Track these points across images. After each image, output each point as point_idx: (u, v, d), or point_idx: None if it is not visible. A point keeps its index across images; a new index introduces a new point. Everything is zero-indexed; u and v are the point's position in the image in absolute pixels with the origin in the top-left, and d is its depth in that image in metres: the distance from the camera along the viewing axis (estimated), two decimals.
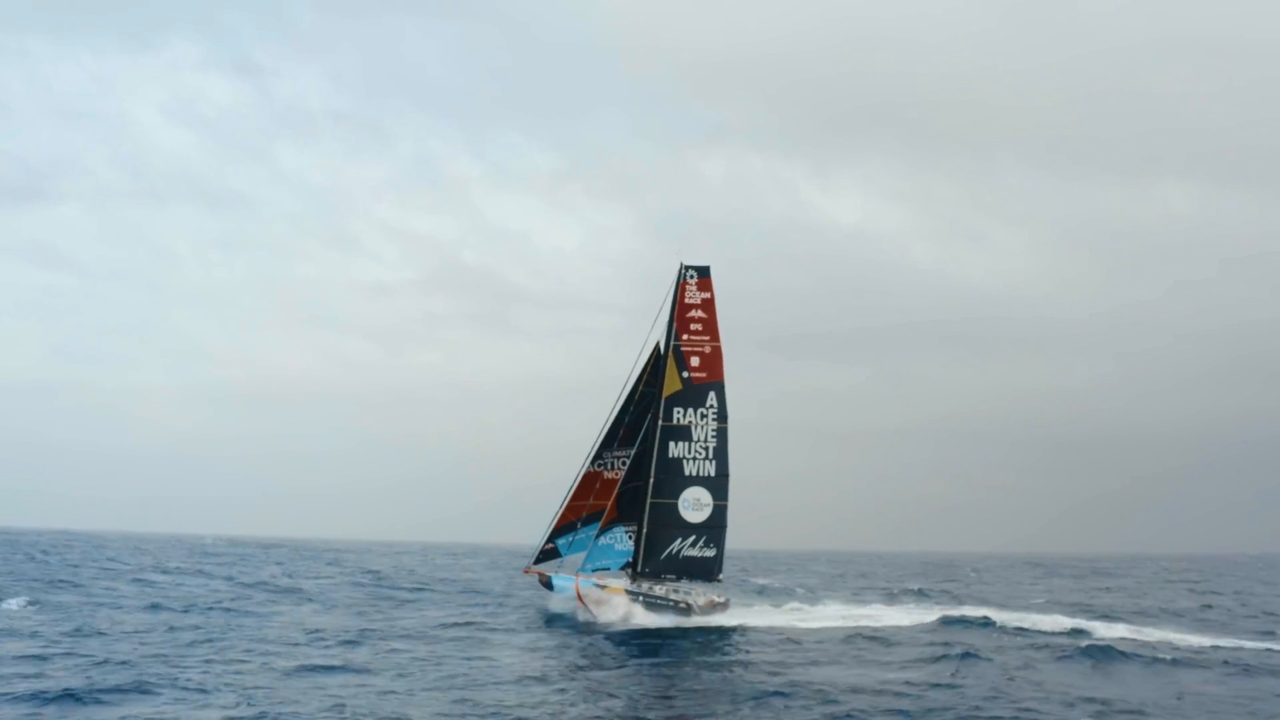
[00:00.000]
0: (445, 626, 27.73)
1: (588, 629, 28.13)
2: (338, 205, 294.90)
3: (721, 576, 31.83)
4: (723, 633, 27.94)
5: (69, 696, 15.89)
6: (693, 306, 31.37)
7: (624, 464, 31.94)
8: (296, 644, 23.05)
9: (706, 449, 31.27)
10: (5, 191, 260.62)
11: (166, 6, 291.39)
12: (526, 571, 34.29)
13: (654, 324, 31.65)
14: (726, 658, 23.23)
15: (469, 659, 21.43)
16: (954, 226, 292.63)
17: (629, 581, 31.33)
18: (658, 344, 31.76)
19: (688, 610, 29.83)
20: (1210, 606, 39.97)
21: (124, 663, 19.34)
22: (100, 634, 23.69)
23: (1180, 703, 17.64)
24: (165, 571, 47.95)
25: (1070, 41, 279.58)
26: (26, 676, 17.68)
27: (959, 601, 39.27)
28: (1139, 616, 33.58)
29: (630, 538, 31.80)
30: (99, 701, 15.82)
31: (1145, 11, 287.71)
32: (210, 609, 30.15)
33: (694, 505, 31.36)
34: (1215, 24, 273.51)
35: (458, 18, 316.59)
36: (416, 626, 27.54)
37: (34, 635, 23.08)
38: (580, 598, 31.28)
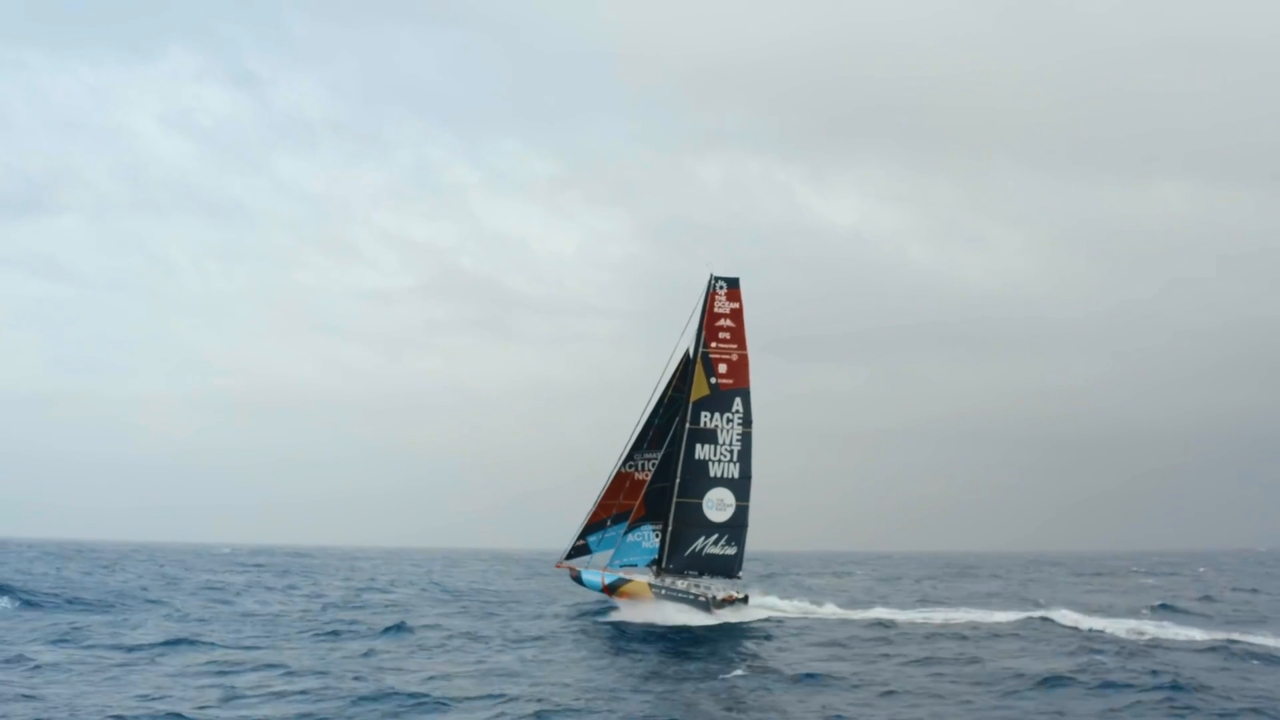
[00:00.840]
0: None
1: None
2: (336, 213, 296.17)
3: (741, 574, 33.32)
4: None
5: None
6: (721, 316, 33.06)
7: (654, 465, 33.54)
8: None
9: (731, 452, 32.84)
10: (5, 204, 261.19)
11: (164, 18, 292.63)
12: (558, 566, 35.98)
13: (683, 332, 33.45)
14: None
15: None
16: (951, 227, 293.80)
17: (653, 576, 32.93)
18: (687, 350, 33.43)
19: (708, 604, 31.20)
20: None
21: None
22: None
23: None
24: (272, 588, 44.60)
25: (1065, 43, 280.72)
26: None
27: (1229, 621, 31.20)
28: None
29: (657, 536, 33.41)
30: None
31: (1139, 12, 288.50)
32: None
33: (717, 505, 32.92)
34: (1209, 24, 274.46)
35: (454, 26, 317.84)
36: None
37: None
38: (606, 590, 32.96)
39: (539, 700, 17.13)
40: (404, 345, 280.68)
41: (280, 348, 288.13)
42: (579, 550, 34.99)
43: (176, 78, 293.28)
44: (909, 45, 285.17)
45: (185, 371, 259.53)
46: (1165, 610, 34.42)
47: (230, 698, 17.57)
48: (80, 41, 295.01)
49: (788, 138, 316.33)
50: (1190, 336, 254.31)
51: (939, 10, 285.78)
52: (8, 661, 20.98)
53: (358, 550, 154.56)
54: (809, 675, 19.92)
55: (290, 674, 19.85)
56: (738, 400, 32.91)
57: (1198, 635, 26.20)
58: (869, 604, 36.59)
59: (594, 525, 34.81)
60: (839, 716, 16.45)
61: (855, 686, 19.07)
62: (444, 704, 16.97)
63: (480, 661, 22.01)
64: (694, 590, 31.91)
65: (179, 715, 16.00)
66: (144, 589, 41.03)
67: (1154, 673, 19.67)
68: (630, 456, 34.30)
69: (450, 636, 26.34)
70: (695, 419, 32.93)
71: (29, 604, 32.57)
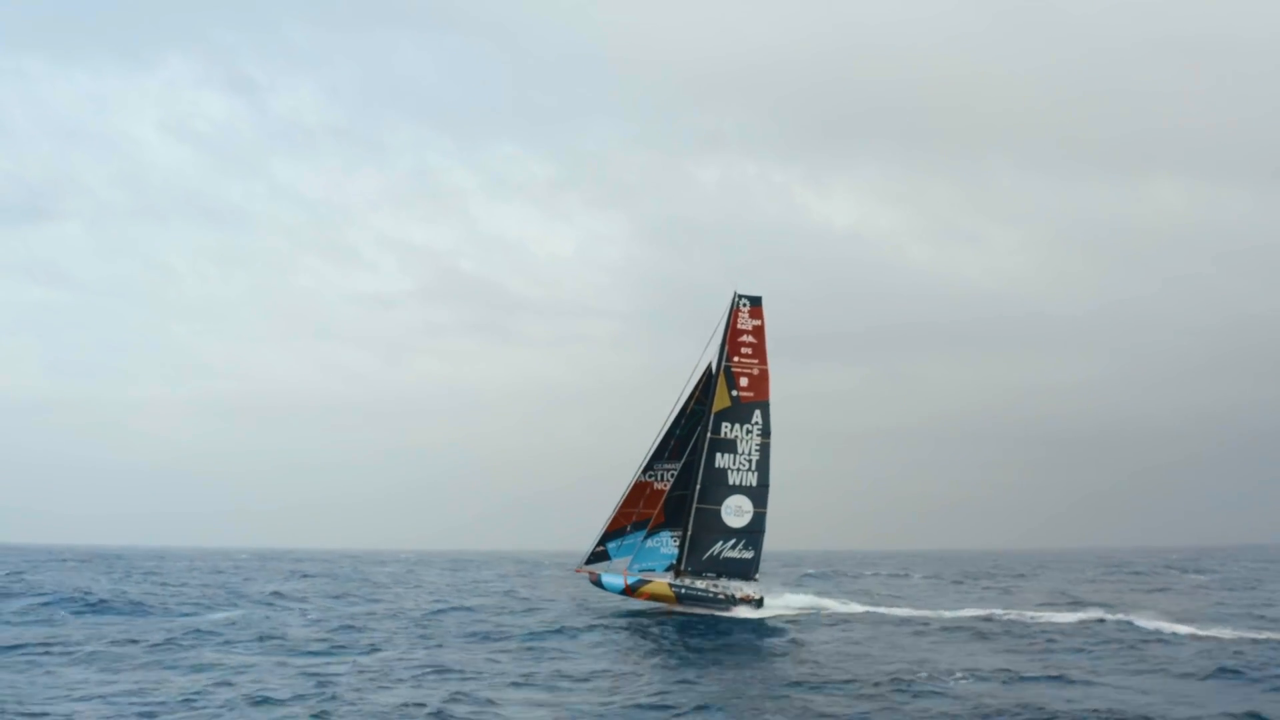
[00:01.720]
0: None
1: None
2: (335, 218, 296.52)
3: (758, 575, 34.24)
4: None
5: None
6: (744, 332, 34.16)
7: (672, 475, 34.64)
8: None
9: (750, 461, 33.80)
10: (5, 211, 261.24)
11: (162, 26, 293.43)
12: (578, 571, 36.75)
13: (706, 346, 34.51)
14: None
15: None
16: (949, 227, 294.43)
17: (673, 578, 33.96)
18: (709, 364, 34.48)
19: (726, 603, 32.83)
20: None
21: None
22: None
23: None
24: (336, 597, 42.25)
25: (1061, 43, 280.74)
26: None
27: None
28: None
29: (675, 542, 34.43)
30: None
31: (1134, 12, 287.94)
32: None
33: (735, 512, 33.93)
34: (1203, 22, 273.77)
35: (452, 30, 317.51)
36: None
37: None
38: (628, 591, 33.83)
39: None
40: (403, 348, 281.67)
41: (280, 352, 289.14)
42: (598, 556, 35.83)
43: (175, 85, 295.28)
44: (906, 47, 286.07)
45: (185, 377, 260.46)
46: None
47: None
48: (80, 50, 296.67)
49: (785, 139, 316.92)
50: (1188, 333, 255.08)
51: (936, 12, 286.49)
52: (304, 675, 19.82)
53: (368, 554, 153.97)
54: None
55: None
56: (757, 412, 33.92)
57: None
58: (980, 603, 37.47)
59: (613, 532, 35.62)
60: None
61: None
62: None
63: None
64: (713, 589, 33.28)
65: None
66: (236, 593, 40.90)
67: None
68: (650, 466, 35.18)
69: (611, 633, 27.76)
70: (716, 429, 33.88)
71: (153, 612, 32.24)
